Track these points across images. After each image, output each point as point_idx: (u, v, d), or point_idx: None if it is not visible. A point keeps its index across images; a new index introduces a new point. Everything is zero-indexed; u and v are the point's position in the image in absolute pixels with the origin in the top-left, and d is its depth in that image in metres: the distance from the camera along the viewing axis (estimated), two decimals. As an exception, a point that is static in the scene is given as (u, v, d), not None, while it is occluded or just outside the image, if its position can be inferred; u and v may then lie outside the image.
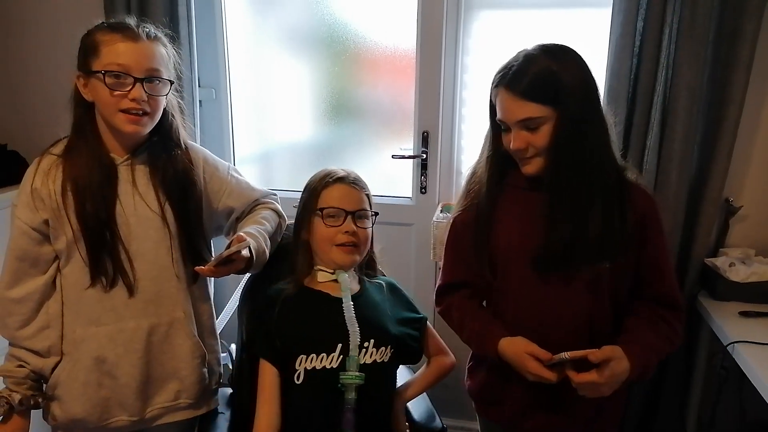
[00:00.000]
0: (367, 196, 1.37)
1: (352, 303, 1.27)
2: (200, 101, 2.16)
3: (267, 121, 2.30)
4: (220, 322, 1.48)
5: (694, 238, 1.75)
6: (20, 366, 1.27)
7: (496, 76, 1.20)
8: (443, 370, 1.41)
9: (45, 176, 1.24)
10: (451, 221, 1.38)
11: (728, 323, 1.56)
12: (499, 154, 1.26)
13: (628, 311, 1.27)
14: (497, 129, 1.24)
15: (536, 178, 1.22)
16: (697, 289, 1.76)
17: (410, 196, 2.17)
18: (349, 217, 1.31)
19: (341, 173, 1.36)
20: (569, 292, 1.23)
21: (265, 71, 2.23)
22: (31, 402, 1.28)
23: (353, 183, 1.35)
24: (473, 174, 1.34)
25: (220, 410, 1.45)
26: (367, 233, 1.35)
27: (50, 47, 2.18)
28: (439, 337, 1.43)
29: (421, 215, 2.12)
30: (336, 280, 1.31)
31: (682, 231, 1.74)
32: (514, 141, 1.18)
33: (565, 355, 1.13)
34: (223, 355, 1.51)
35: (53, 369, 1.29)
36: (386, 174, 2.18)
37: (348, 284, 1.30)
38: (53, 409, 1.31)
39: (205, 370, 1.38)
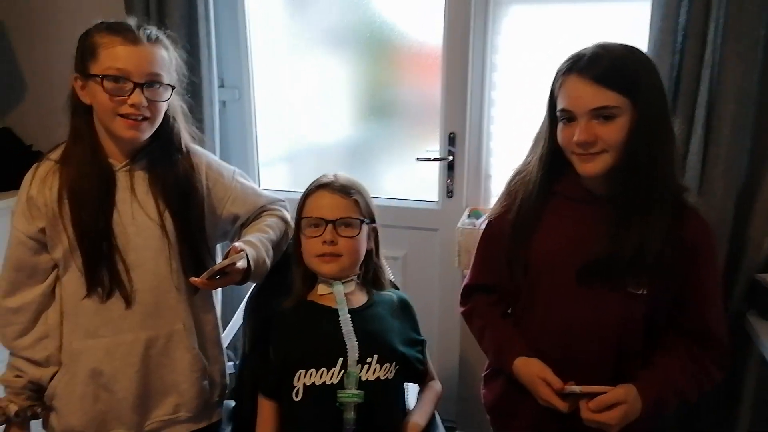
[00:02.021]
0: (357, 202, 1.26)
1: (349, 316, 1.21)
2: (224, 102, 2.15)
3: (291, 122, 2.25)
4: (227, 334, 1.45)
5: (743, 252, 1.63)
6: (18, 376, 1.26)
7: (564, 64, 1.12)
8: (439, 397, 1.36)
9: (41, 184, 1.22)
10: (486, 221, 1.31)
11: (780, 348, 1.42)
12: (551, 152, 1.16)
13: (662, 344, 1.19)
14: (554, 123, 1.14)
15: (590, 191, 1.16)
16: (746, 308, 1.62)
17: (436, 200, 2.08)
18: (329, 226, 1.23)
19: (326, 179, 1.29)
20: (603, 309, 1.16)
21: (288, 71, 2.19)
22: (29, 413, 1.27)
23: (338, 189, 1.26)
24: (517, 174, 1.26)
25: (222, 425, 1.41)
26: (353, 242, 1.24)
27: (73, 50, 2.18)
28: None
29: (447, 220, 2.03)
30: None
31: (729, 244, 1.61)
32: (580, 133, 1.07)
33: (577, 389, 1.09)
34: (229, 363, 1.48)
35: (52, 378, 1.27)
36: (411, 177, 2.11)
37: (342, 296, 1.23)
38: (51, 419, 1.30)
39: (206, 383, 1.34)
